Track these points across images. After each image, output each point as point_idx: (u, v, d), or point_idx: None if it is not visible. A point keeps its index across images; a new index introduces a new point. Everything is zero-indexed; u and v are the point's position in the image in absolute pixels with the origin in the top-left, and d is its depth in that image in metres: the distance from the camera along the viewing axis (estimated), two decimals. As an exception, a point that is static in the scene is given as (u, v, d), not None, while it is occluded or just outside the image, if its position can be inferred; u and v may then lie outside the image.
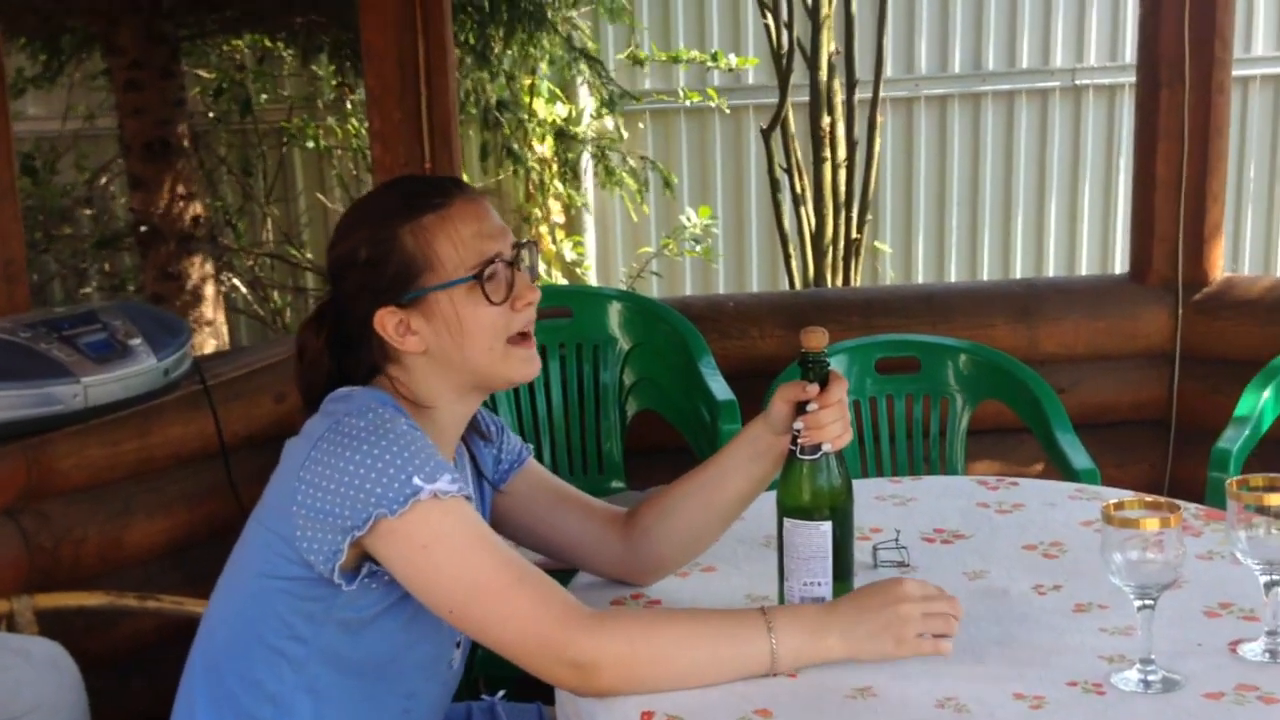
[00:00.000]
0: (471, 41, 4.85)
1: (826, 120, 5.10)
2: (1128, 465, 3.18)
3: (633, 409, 3.07)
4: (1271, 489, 1.37)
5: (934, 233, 6.51)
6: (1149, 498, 1.42)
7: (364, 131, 5.53)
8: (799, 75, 5.19)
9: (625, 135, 6.13)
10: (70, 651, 1.67)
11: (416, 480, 1.33)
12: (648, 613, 1.38)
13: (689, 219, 5.91)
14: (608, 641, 1.32)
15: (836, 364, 2.18)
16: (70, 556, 2.23)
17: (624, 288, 5.58)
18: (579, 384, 3.04)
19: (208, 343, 4.56)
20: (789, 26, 5.10)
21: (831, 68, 5.08)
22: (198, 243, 4.59)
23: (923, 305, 3.29)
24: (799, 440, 1.46)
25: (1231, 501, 1.38)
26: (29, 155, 5.51)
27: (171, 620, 1.75)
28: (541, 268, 5.24)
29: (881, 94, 5.25)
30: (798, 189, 5.20)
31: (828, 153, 5.13)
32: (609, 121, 5.94)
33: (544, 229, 5.87)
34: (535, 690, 1.52)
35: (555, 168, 5.68)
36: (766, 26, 5.23)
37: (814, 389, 1.45)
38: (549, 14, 4.97)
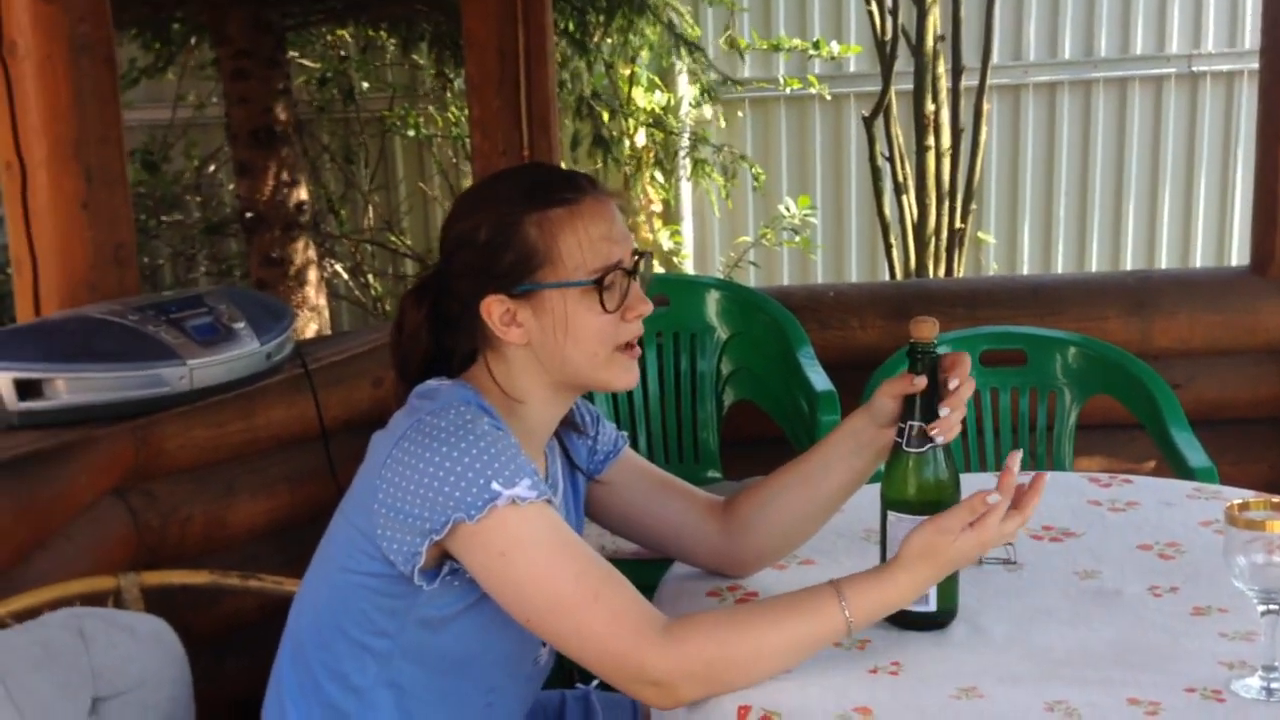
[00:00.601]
0: (571, 29, 4.85)
1: (930, 107, 5.01)
2: (1245, 464, 3.06)
3: (730, 399, 3.05)
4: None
5: (1040, 224, 6.38)
6: (1275, 498, 1.35)
7: (464, 120, 5.57)
8: (902, 62, 5.11)
9: (724, 124, 6.10)
10: (173, 628, 1.70)
11: (495, 485, 1.31)
12: (723, 616, 1.34)
13: (787, 209, 5.86)
14: (682, 659, 1.30)
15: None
16: (176, 535, 2.27)
17: (721, 277, 5.55)
18: (675, 373, 3.02)
19: (309, 327, 4.64)
20: (894, 13, 5.02)
21: (936, 54, 4.99)
22: (301, 229, 4.67)
23: (1030, 297, 3.22)
24: (909, 433, 1.42)
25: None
26: (147, 150, 5.65)
27: (272, 599, 1.77)
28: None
29: (988, 81, 5.15)
30: (899, 177, 5.13)
31: (931, 140, 5.05)
32: (707, 110, 5.90)
33: (641, 218, 5.86)
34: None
35: (650, 157, 5.67)
36: (870, 13, 5.15)
37: (921, 381, 1.41)
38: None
